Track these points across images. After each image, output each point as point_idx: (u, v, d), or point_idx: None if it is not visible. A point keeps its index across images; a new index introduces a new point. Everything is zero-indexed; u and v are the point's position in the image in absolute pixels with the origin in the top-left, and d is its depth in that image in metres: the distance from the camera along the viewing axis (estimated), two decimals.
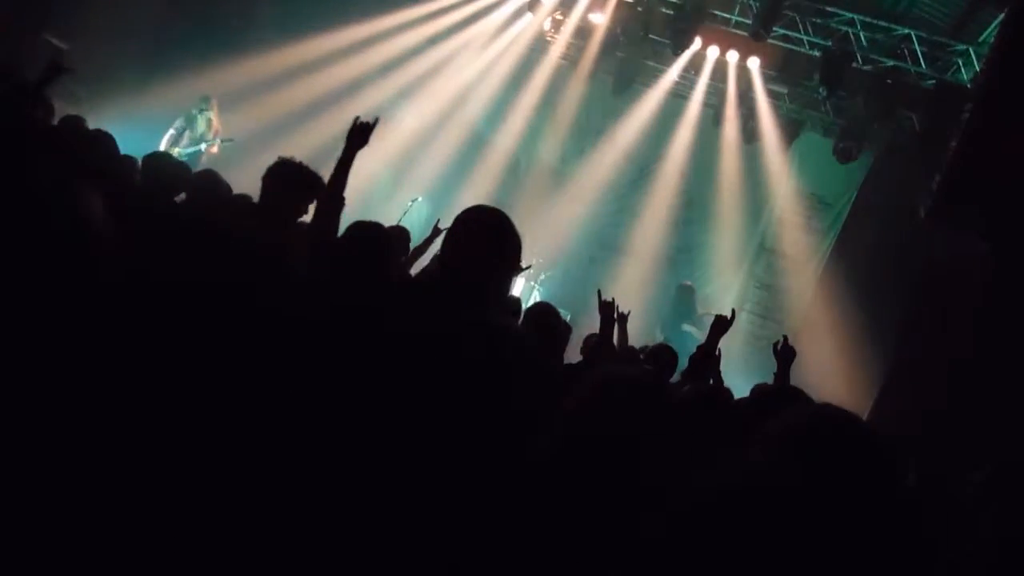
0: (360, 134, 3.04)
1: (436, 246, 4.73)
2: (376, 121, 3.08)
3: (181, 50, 9.22)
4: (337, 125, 11.15)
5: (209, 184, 4.13)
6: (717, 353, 3.69)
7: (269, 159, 3.45)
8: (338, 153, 3.07)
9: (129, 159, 4.68)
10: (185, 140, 8.78)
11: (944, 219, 6.84)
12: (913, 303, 7.97)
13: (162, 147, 8.38)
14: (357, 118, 3.08)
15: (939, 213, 6.73)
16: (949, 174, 6.59)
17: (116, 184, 3.96)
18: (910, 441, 5.64)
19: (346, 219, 3.18)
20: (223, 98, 9.37)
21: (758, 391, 3.48)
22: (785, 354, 3.39)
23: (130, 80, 8.92)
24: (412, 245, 5.51)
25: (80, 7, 8.75)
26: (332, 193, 2.99)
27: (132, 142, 5.38)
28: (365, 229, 2.96)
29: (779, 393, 3.10)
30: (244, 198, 3.90)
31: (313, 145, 10.10)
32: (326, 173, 3.15)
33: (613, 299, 3.67)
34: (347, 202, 3.13)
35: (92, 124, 5.15)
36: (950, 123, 7.32)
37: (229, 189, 4.23)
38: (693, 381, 3.20)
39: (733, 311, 3.35)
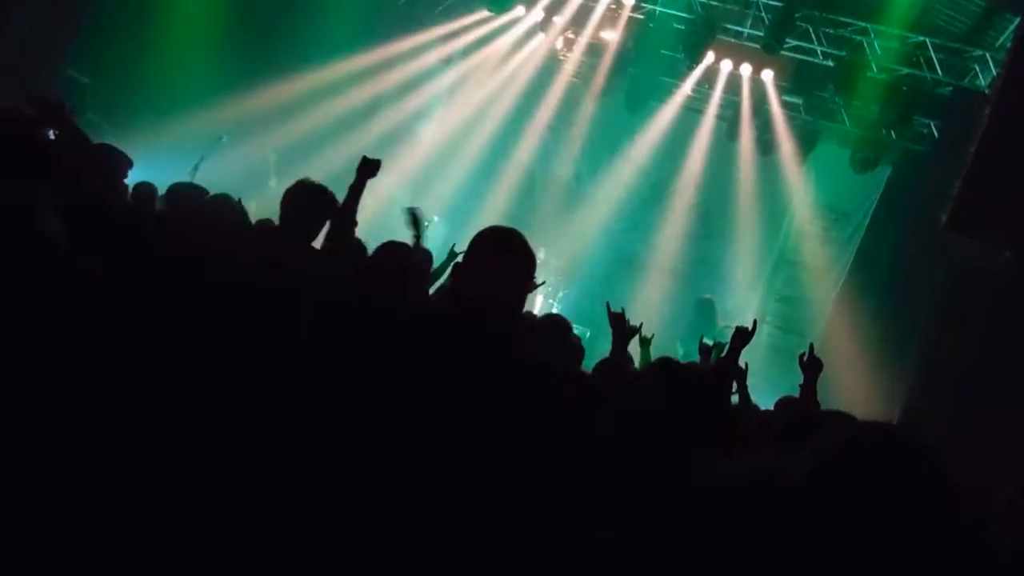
0: (370, 165, 3.27)
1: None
2: (379, 161, 3.32)
3: (200, 82, 9.37)
4: (355, 147, 11.31)
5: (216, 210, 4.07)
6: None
7: (287, 183, 3.49)
8: (350, 180, 3.21)
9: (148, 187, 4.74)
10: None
11: (965, 226, 6.77)
12: (936, 312, 7.87)
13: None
14: (364, 157, 3.31)
15: (960, 220, 6.66)
16: (969, 180, 6.53)
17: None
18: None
19: (365, 239, 3.26)
20: (242, 127, 9.49)
21: (783, 404, 3.44)
22: (812, 365, 3.35)
23: (151, 112, 9.06)
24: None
25: (101, 42, 8.92)
26: (346, 215, 3.13)
27: (155, 173, 5.46)
28: (393, 251, 3.01)
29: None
30: (266, 223, 3.91)
31: (331, 168, 10.23)
32: (343, 193, 3.24)
33: (623, 310, 3.65)
34: (365, 222, 3.22)
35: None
36: (968, 129, 7.25)
37: (234, 215, 4.11)
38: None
39: (755, 322, 3.32)
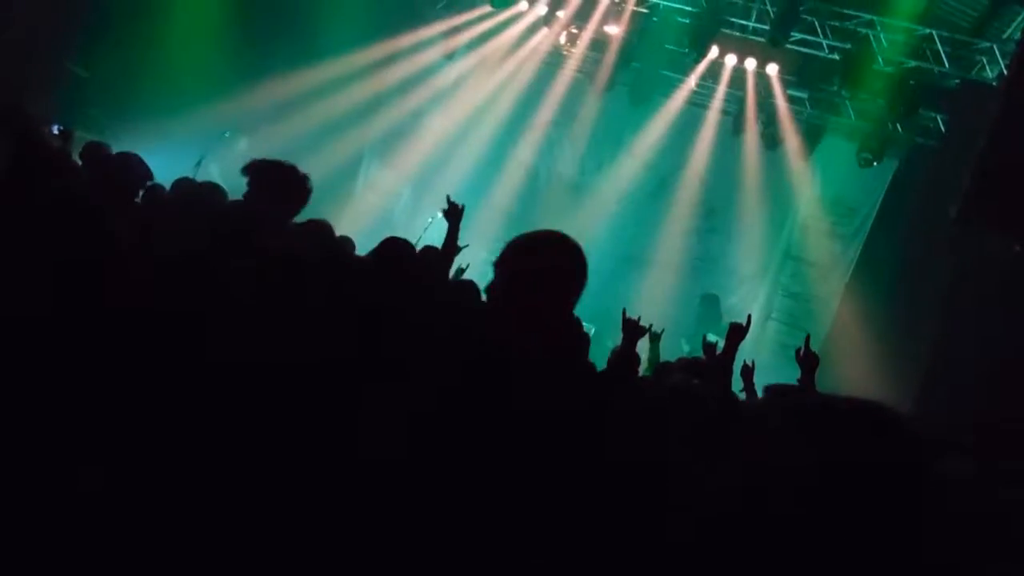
0: (456, 210, 3.88)
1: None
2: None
3: (203, 78, 9.34)
4: (359, 143, 11.29)
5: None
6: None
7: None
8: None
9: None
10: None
11: (974, 219, 6.70)
12: (944, 307, 7.80)
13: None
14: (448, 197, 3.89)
15: (969, 214, 6.59)
16: (978, 173, 6.46)
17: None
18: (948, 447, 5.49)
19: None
20: (245, 123, 9.45)
21: (774, 391, 3.38)
22: (808, 360, 3.30)
23: (153, 108, 9.04)
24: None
25: (103, 36, 8.89)
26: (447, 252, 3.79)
27: (157, 170, 5.43)
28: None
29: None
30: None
31: (336, 163, 10.21)
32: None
33: (639, 318, 3.58)
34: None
35: (115, 150, 5.21)
36: (976, 122, 7.18)
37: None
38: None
39: (749, 317, 3.28)
